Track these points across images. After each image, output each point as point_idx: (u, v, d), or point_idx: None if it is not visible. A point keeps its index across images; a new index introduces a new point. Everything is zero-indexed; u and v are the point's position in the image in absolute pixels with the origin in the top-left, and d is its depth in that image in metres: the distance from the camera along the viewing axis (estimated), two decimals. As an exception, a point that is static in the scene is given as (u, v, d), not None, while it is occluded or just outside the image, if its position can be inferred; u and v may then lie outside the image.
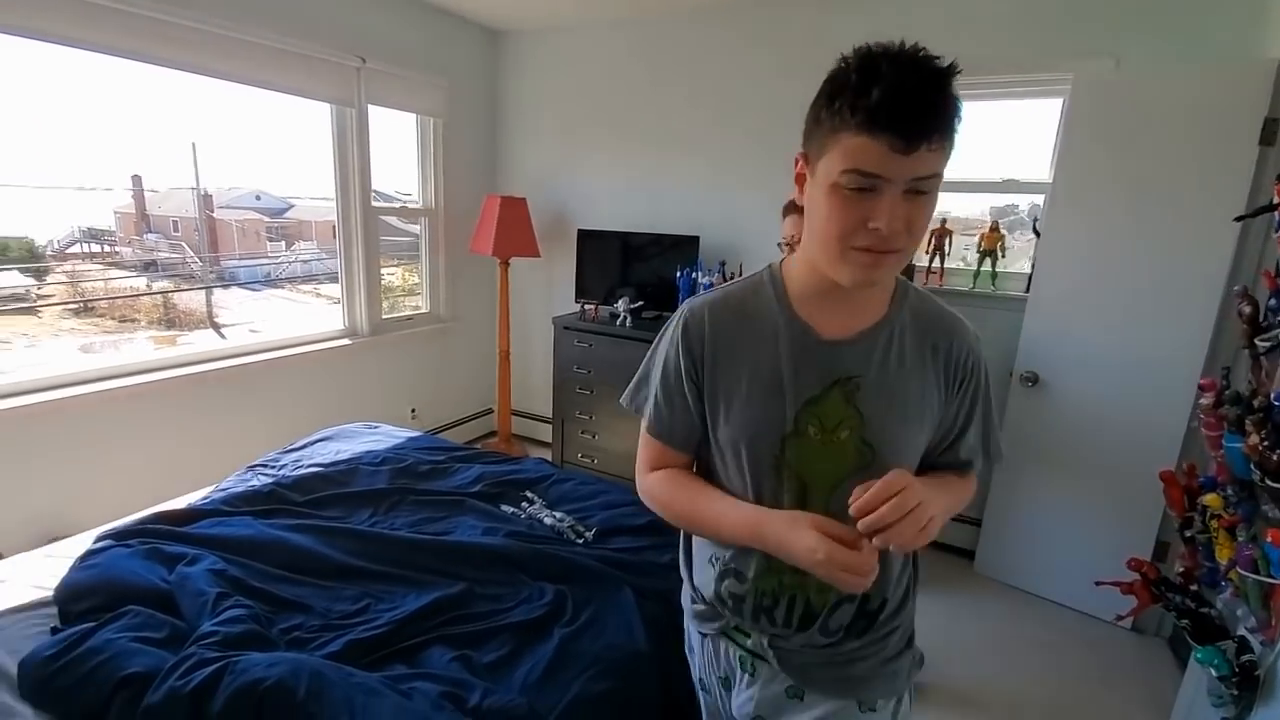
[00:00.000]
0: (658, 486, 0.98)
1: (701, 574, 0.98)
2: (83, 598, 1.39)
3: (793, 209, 2.03)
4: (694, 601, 1.01)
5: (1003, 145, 2.90)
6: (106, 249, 4.48)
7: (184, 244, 4.74)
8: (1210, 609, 1.40)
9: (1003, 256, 2.80)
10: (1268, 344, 1.25)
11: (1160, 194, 2.24)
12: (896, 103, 0.66)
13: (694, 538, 1.01)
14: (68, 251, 4.24)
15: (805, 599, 0.88)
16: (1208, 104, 2.13)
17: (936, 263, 2.90)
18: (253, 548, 1.61)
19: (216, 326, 4.43)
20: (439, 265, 3.75)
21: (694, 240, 3.24)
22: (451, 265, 3.79)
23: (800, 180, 0.82)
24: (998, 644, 2.38)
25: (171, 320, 4.47)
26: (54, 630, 1.33)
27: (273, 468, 2.13)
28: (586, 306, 3.54)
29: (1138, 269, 2.32)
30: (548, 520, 1.92)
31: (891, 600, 0.91)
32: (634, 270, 3.47)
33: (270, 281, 5.23)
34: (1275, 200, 1.28)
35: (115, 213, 4.62)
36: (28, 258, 3.82)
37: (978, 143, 2.85)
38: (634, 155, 3.52)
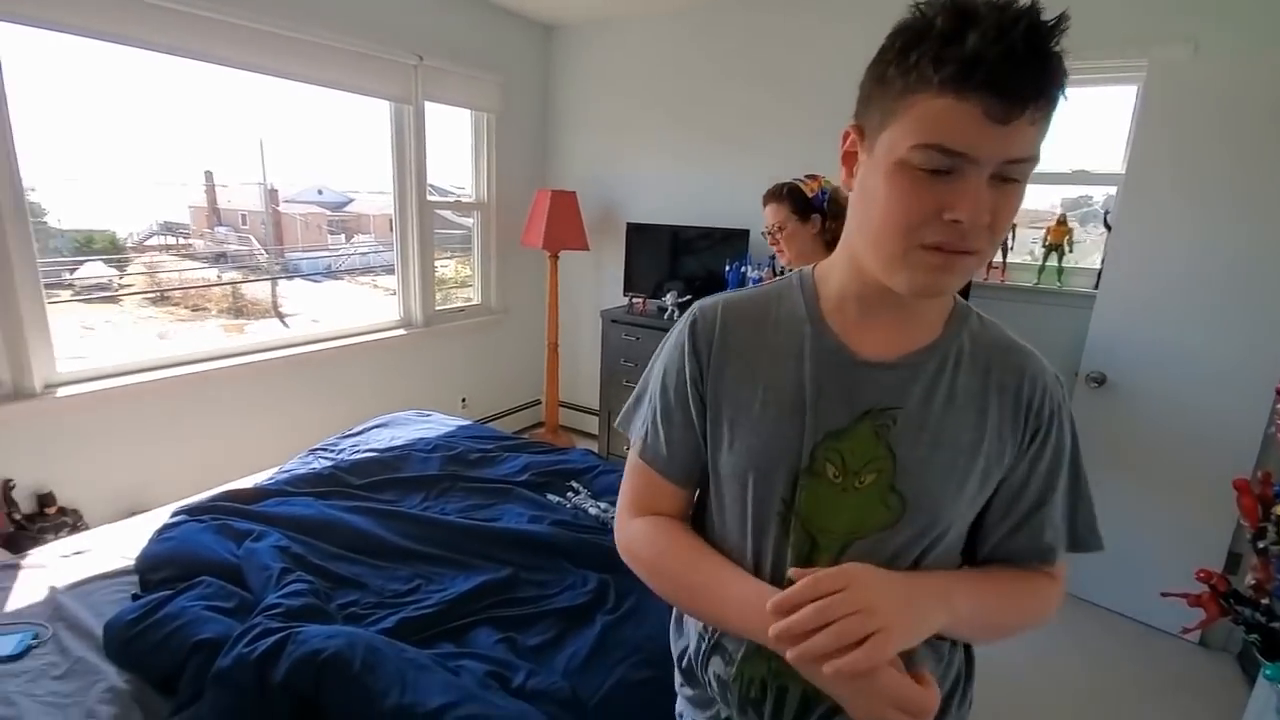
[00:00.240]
0: (643, 539, 0.77)
1: (692, 642, 0.79)
2: (160, 568, 1.49)
3: (773, 197, 1.86)
4: (683, 684, 0.83)
5: (1073, 135, 2.78)
6: (180, 241, 4.74)
7: (251, 236, 4.97)
8: (1284, 624, 1.33)
9: (1069, 251, 2.69)
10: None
11: (1240, 187, 2.12)
12: (999, 53, 0.52)
13: None
14: (146, 243, 4.50)
15: (800, 694, 0.69)
16: (1296, 91, 2.00)
17: (998, 257, 2.80)
18: (313, 527, 1.69)
19: (281, 316, 4.63)
20: (490, 258, 3.83)
21: (744, 234, 3.22)
22: (502, 258, 3.86)
23: (849, 160, 0.66)
24: (1053, 654, 2.30)
25: (240, 309, 4.70)
26: (134, 597, 1.43)
27: (332, 452, 2.23)
28: (634, 300, 3.56)
29: (1215, 266, 2.19)
30: (592, 510, 1.95)
31: None
32: (682, 264, 3.46)
33: (330, 273, 5.44)
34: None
35: (189, 207, 4.88)
36: (110, 249, 4.07)
37: (1048, 132, 2.73)
38: (684, 148, 3.52)
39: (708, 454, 0.75)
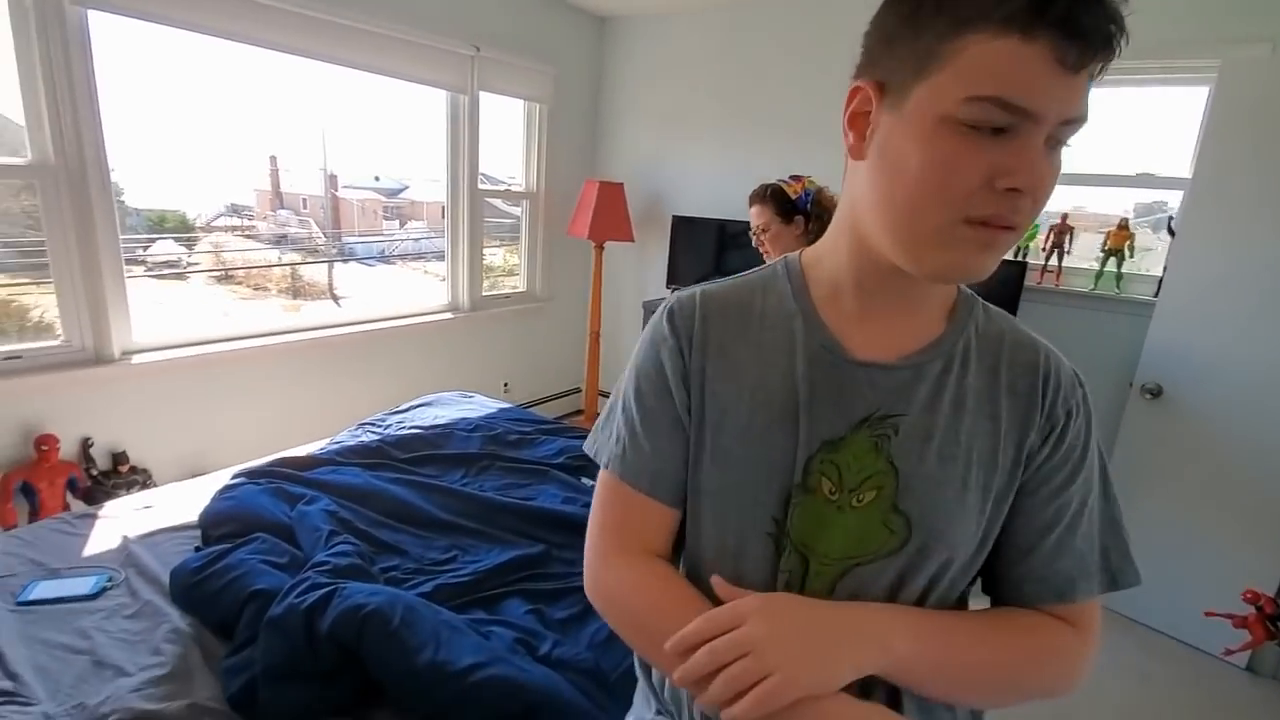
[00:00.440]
0: (630, 584, 0.64)
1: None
2: (220, 524, 1.60)
3: (756, 198, 1.81)
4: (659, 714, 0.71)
5: (1139, 137, 2.68)
6: (245, 222, 4.97)
7: (311, 220, 5.18)
8: (1334, 648, 1.28)
9: (1130, 256, 2.59)
10: None
11: (1317, 193, 2.02)
12: None
13: None
14: (213, 224, 4.74)
15: None
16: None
17: (1054, 260, 2.72)
18: (360, 495, 1.78)
19: (335, 297, 4.82)
20: (537, 246, 3.90)
21: (788, 230, 3.20)
22: (549, 247, 3.93)
23: (857, 122, 0.57)
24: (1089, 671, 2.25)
25: (298, 290, 4.90)
26: (197, 549, 1.54)
27: (379, 427, 2.33)
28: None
29: (1283, 276, 2.10)
30: (625, 494, 1.99)
31: None
32: (727, 258, 3.47)
33: (384, 258, 5.62)
34: None
35: (254, 190, 5.11)
36: (180, 229, 4.31)
37: (1112, 133, 2.63)
38: (733, 141, 3.51)
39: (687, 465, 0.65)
